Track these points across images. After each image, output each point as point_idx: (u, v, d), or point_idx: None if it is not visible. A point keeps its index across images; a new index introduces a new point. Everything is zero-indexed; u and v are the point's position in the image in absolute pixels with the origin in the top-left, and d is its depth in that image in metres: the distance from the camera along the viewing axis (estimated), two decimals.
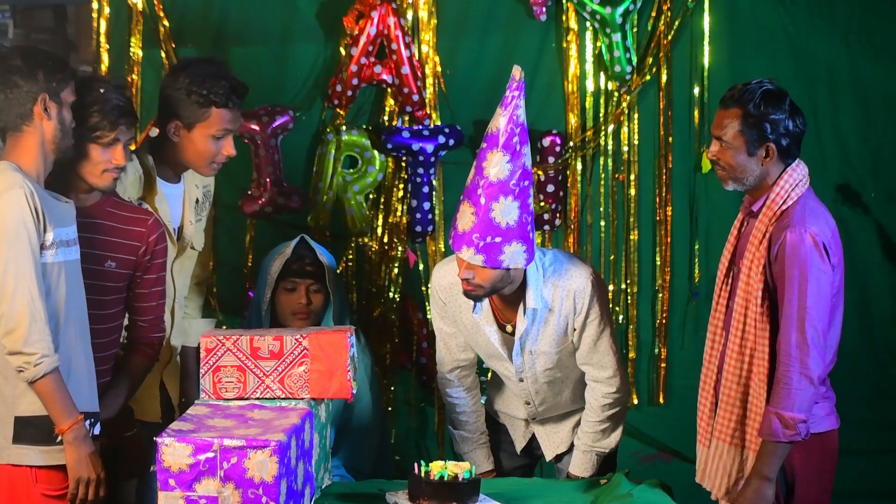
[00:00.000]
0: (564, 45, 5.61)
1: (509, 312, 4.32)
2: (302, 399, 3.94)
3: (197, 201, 4.51)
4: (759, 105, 3.91)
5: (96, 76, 3.99)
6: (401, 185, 5.58)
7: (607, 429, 4.39)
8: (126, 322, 4.20)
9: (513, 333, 4.32)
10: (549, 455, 4.60)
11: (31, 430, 3.67)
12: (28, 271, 3.59)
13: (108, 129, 3.92)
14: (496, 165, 4.09)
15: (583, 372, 4.40)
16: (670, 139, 5.65)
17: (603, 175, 5.69)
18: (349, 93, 5.46)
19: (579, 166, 5.67)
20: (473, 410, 4.54)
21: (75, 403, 3.71)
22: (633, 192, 5.69)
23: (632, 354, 5.73)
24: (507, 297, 4.29)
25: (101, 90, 3.91)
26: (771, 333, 3.91)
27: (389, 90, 5.53)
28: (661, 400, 5.74)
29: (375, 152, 5.53)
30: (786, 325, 3.84)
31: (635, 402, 5.73)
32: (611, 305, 5.67)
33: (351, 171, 5.56)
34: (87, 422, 3.76)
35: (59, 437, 3.70)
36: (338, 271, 5.45)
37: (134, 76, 5.46)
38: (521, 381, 4.42)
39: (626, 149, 5.68)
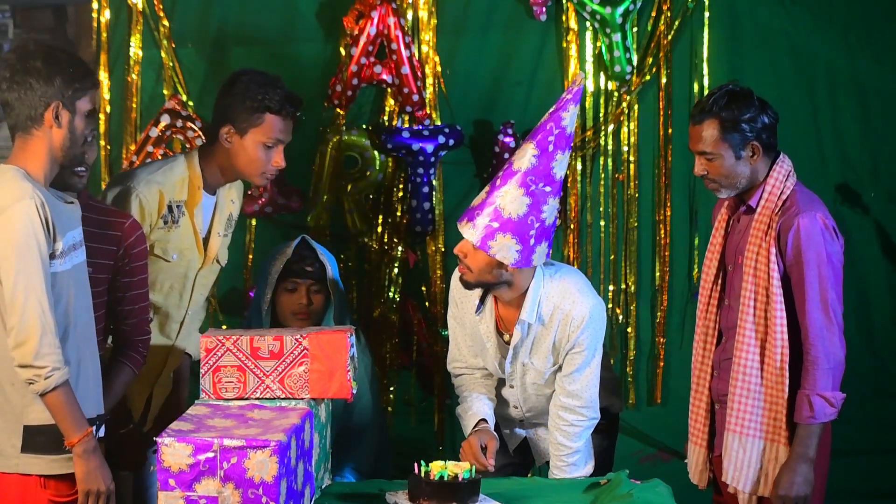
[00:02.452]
0: (564, 45, 5.61)
1: (510, 321, 4.31)
2: (302, 399, 3.94)
3: (229, 216, 4.50)
4: (732, 108, 3.93)
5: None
6: (401, 185, 5.58)
7: (580, 459, 4.36)
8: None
9: (509, 342, 4.32)
10: (539, 461, 4.59)
11: (41, 440, 3.65)
12: (38, 283, 3.56)
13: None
14: (522, 155, 4.09)
15: None
16: (670, 139, 5.65)
17: (603, 175, 5.69)
18: (349, 93, 5.46)
19: (579, 166, 5.67)
20: (483, 386, 4.46)
21: (84, 409, 3.71)
22: (633, 192, 5.69)
23: (631, 354, 5.73)
24: (509, 303, 4.28)
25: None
26: (787, 322, 3.94)
27: (389, 90, 5.53)
28: (661, 400, 5.74)
29: (375, 152, 5.53)
30: (810, 308, 3.90)
31: (632, 401, 5.73)
32: (610, 305, 5.68)
33: (351, 171, 5.57)
34: (94, 425, 3.76)
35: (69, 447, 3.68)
36: (338, 271, 5.45)
37: (134, 76, 5.47)
38: (512, 388, 4.41)
39: (626, 149, 5.68)
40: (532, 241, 4.09)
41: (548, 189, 4.09)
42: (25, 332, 3.55)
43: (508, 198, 4.06)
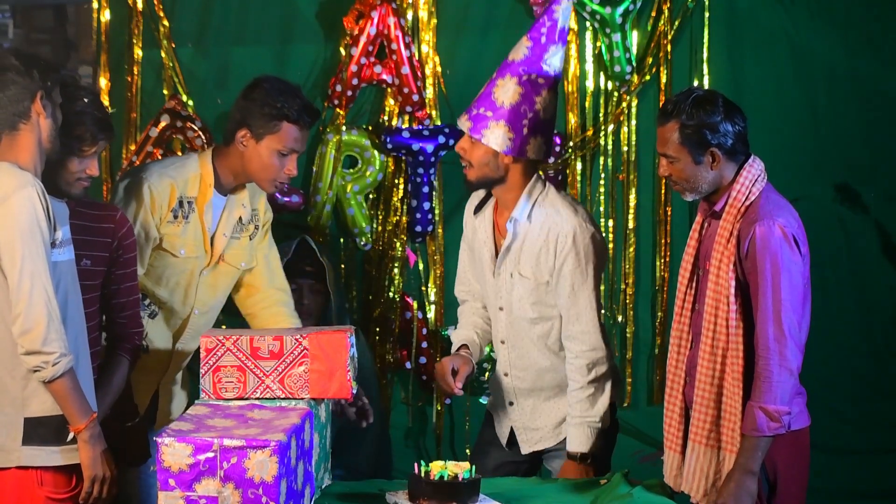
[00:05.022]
0: None
1: (505, 227, 4.39)
2: (302, 399, 3.94)
3: (239, 219, 4.50)
4: (692, 114, 3.88)
5: (74, 82, 3.95)
6: (401, 185, 5.58)
7: (592, 395, 4.34)
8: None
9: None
10: (525, 449, 4.55)
11: (42, 431, 3.66)
12: (43, 270, 3.58)
13: (88, 142, 3.92)
14: (517, 48, 4.25)
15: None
16: None
17: (603, 175, 5.69)
18: (349, 93, 5.46)
19: (579, 166, 5.68)
20: (479, 316, 4.54)
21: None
22: (633, 192, 5.69)
23: (630, 354, 5.73)
24: (504, 203, 4.36)
25: (85, 99, 3.89)
26: (744, 331, 3.90)
27: (389, 90, 5.53)
28: (661, 400, 5.73)
29: (375, 152, 5.53)
30: (762, 318, 3.83)
31: (627, 402, 5.74)
32: (611, 305, 5.68)
33: (351, 171, 5.57)
34: None
35: (70, 436, 3.69)
36: (337, 271, 5.45)
37: (134, 76, 5.47)
38: (501, 311, 4.42)
39: (625, 149, 5.69)
40: (525, 131, 4.23)
41: (541, 81, 4.23)
42: (33, 318, 3.56)
43: (502, 89, 4.23)
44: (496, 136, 4.21)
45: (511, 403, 4.49)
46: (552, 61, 4.25)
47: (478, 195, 4.46)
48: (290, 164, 4.34)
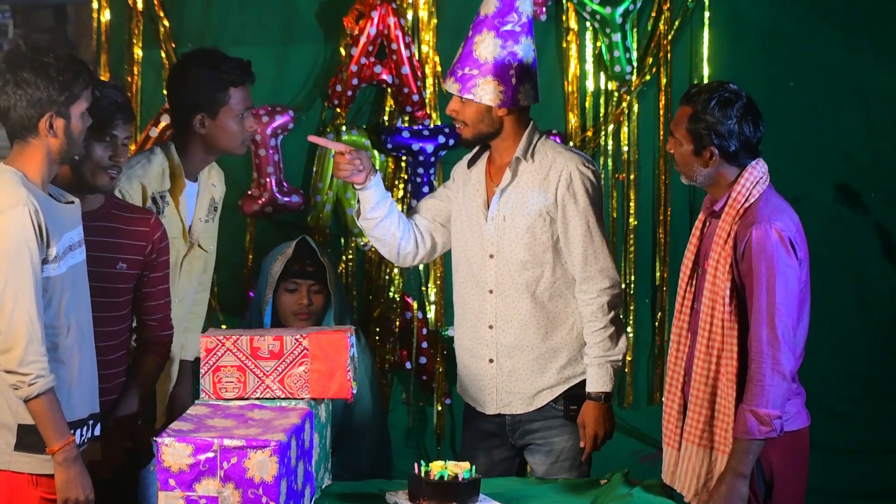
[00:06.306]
0: (564, 45, 5.62)
1: (500, 178, 4.40)
2: (302, 399, 3.94)
3: (212, 200, 4.54)
4: (706, 110, 3.89)
5: (95, 79, 3.92)
6: (401, 185, 5.58)
7: (613, 334, 4.36)
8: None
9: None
10: (490, 409, 4.43)
11: (34, 439, 3.65)
12: (28, 290, 3.56)
13: (104, 124, 3.90)
14: (486, 3, 4.36)
15: (555, 311, 4.37)
16: None
17: (603, 175, 5.69)
18: (349, 93, 5.46)
19: None
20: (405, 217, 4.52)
21: (80, 408, 3.72)
22: (632, 192, 5.69)
23: (630, 354, 5.73)
24: (501, 152, 4.38)
25: (97, 93, 3.87)
26: (739, 333, 3.90)
27: (389, 90, 5.53)
28: (661, 400, 5.73)
29: (375, 152, 5.53)
30: (756, 322, 3.84)
31: (629, 402, 5.74)
32: None
33: None
34: (87, 424, 3.76)
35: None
36: (338, 271, 5.45)
37: (134, 76, 5.47)
38: (491, 258, 4.40)
39: (626, 149, 5.68)
40: (514, 81, 4.30)
41: (517, 28, 4.31)
42: (12, 338, 3.55)
43: (482, 45, 4.32)
44: (487, 92, 4.29)
45: (491, 361, 4.46)
46: (523, 7, 4.34)
47: (471, 159, 4.50)
48: (248, 121, 4.43)
